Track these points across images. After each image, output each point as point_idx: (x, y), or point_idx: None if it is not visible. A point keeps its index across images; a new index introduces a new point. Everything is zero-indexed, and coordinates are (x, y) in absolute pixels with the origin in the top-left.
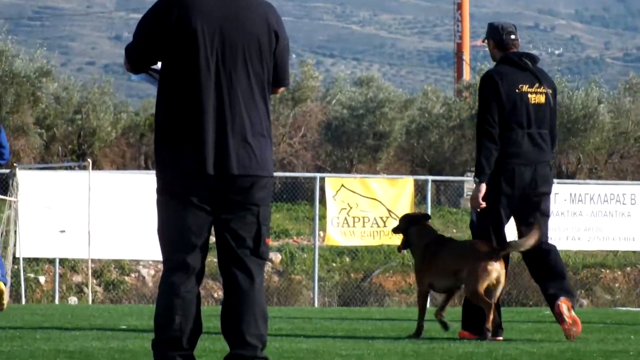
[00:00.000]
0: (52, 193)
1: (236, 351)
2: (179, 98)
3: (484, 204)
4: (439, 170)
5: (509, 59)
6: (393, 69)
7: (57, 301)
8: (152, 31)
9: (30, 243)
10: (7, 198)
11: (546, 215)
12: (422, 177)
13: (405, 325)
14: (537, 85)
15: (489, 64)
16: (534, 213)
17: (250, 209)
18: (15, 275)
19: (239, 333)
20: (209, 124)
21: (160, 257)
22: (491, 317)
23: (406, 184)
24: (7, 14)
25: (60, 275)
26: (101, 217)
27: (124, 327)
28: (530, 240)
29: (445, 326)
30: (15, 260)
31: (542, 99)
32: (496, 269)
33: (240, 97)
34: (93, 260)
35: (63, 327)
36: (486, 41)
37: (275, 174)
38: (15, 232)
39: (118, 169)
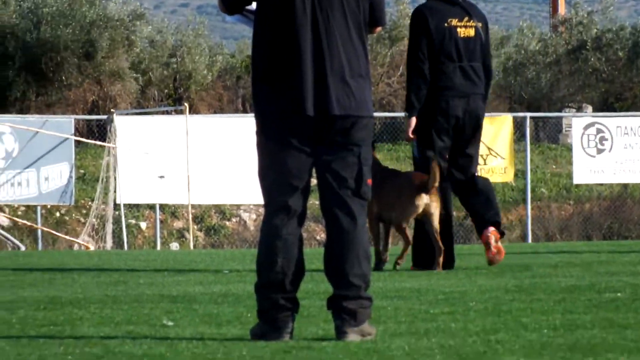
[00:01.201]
0: (150, 138)
1: (340, 292)
2: (275, 39)
3: (413, 137)
4: (537, 107)
5: None
6: (488, 6)
7: (158, 247)
8: None
9: (129, 189)
10: (106, 144)
11: (477, 144)
12: (521, 114)
13: (506, 262)
14: (466, 19)
15: None
16: (470, 143)
17: (352, 150)
18: (117, 221)
19: (342, 274)
20: (307, 64)
21: (261, 201)
22: (405, 253)
23: (505, 121)
24: None
25: (161, 221)
26: (200, 162)
27: (226, 271)
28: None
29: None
30: (116, 206)
31: (471, 32)
32: (423, 202)
33: (337, 37)
34: (193, 206)
35: (165, 272)
36: None
37: (375, 114)
38: (114, 178)
39: (215, 112)
